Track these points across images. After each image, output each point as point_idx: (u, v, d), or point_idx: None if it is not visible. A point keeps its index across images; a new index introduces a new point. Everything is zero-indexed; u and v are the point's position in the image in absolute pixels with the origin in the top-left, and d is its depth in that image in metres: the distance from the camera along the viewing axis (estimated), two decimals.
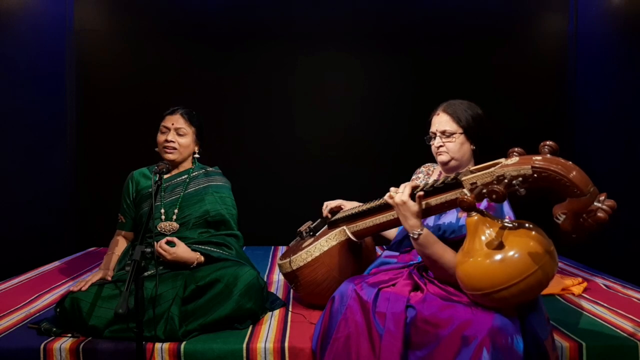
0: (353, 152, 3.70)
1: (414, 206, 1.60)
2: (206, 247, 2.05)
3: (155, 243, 1.98)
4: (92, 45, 3.59)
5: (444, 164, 1.82)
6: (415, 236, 1.60)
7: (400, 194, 1.62)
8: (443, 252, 1.60)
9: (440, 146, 1.79)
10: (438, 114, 1.83)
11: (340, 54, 3.71)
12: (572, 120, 3.63)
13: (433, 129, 1.83)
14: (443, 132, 1.78)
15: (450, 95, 3.74)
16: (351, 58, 3.74)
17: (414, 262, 1.78)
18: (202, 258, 2.02)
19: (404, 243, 1.93)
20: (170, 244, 1.99)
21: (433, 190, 1.60)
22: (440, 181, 1.59)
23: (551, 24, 3.73)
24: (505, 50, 3.71)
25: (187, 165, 2.23)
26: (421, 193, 1.60)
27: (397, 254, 1.88)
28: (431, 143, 1.84)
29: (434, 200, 1.60)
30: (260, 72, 3.68)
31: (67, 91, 3.47)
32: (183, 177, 2.19)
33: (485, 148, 1.80)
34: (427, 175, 2.00)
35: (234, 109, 3.69)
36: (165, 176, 2.15)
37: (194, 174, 2.21)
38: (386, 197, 1.69)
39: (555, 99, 3.72)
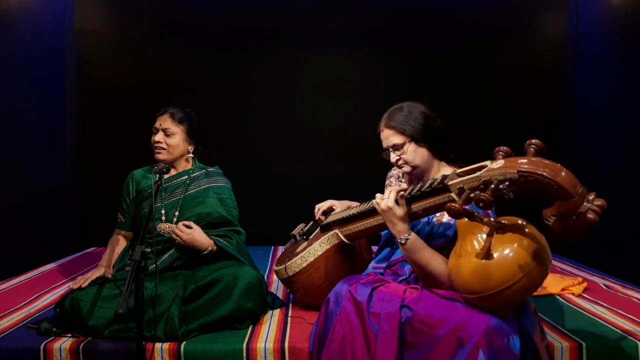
0: (353, 152, 3.69)
1: (399, 210, 1.61)
2: (213, 237, 2.05)
3: (174, 226, 1.98)
4: (92, 45, 3.59)
5: (409, 174, 1.83)
6: (403, 241, 1.60)
7: (385, 200, 1.63)
8: (431, 258, 1.60)
9: (398, 159, 1.77)
10: (382, 130, 1.81)
11: (340, 55, 3.71)
12: (572, 120, 3.63)
13: (384, 145, 1.81)
14: (394, 147, 1.77)
15: (449, 95, 3.74)
16: (351, 58, 3.73)
17: (402, 277, 1.77)
18: (215, 247, 2.01)
19: (389, 255, 1.90)
20: (187, 227, 1.99)
21: (420, 194, 1.60)
22: (427, 185, 1.58)
23: (551, 24, 3.73)
24: (506, 50, 3.71)
25: (187, 165, 2.23)
26: (402, 193, 1.62)
27: (384, 265, 1.87)
28: (389, 158, 1.82)
29: (421, 205, 1.60)
30: (260, 72, 3.67)
31: (67, 91, 3.47)
32: (183, 177, 2.19)
33: (441, 141, 1.78)
34: (397, 178, 2.00)
35: (234, 109, 3.69)
36: (166, 176, 2.15)
37: (194, 174, 2.21)
38: (373, 203, 1.70)
39: (555, 99, 3.72)
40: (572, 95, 3.64)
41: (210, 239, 2.03)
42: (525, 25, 3.73)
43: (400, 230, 1.61)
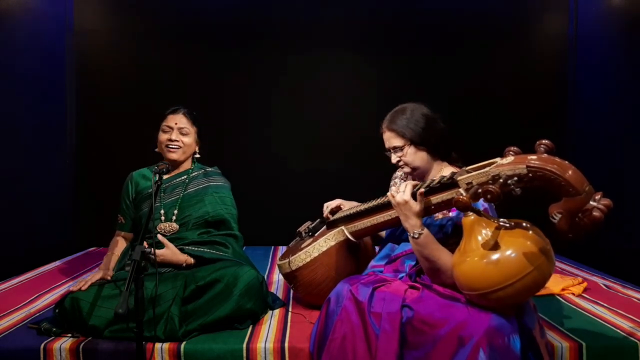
0: (353, 152, 3.69)
1: (415, 205, 1.60)
2: (198, 248, 2.05)
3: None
4: (92, 45, 3.59)
5: (410, 174, 1.86)
6: (416, 236, 1.59)
7: (401, 193, 1.62)
8: (441, 253, 1.60)
9: (398, 160, 1.82)
10: (384, 132, 1.85)
11: (340, 56, 3.71)
12: (572, 121, 3.63)
13: (386, 145, 1.85)
14: (394, 149, 1.81)
15: (449, 95, 3.73)
16: (351, 59, 3.73)
17: (402, 274, 1.78)
18: (192, 260, 2.02)
19: (389, 253, 1.91)
20: (160, 245, 1.99)
21: (429, 190, 1.61)
22: (437, 181, 1.59)
23: (551, 25, 3.73)
24: (506, 51, 3.71)
25: (187, 165, 2.23)
26: (422, 190, 1.60)
27: (383, 263, 1.88)
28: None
29: (430, 200, 1.61)
30: (261, 72, 3.67)
31: (67, 91, 3.48)
32: (182, 177, 2.19)
33: (442, 142, 1.81)
34: (401, 179, 2.02)
35: (234, 109, 3.68)
36: (165, 177, 2.15)
37: (194, 174, 2.21)
38: (388, 196, 1.71)
39: (555, 100, 3.71)
40: (572, 96, 3.64)
41: (195, 252, 2.02)
42: (526, 27, 3.73)
43: (414, 224, 1.60)
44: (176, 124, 2.13)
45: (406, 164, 1.81)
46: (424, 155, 1.80)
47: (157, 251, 1.94)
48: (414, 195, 1.61)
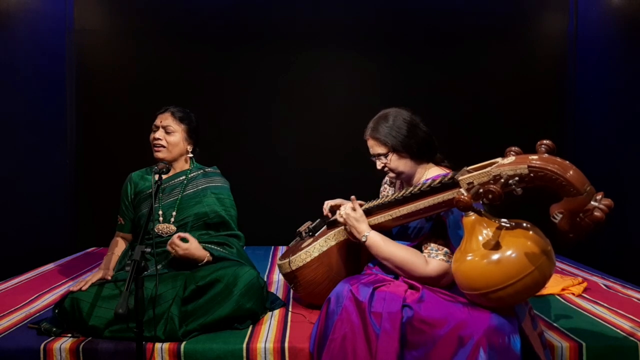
0: (353, 152, 3.67)
1: (354, 213, 1.81)
2: (209, 246, 2.05)
3: (174, 239, 1.95)
4: (92, 45, 3.59)
5: (397, 179, 1.92)
6: (364, 239, 1.76)
7: (342, 210, 1.85)
8: (396, 250, 1.69)
9: (383, 167, 1.86)
10: (367, 139, 1.89)
11: (340, 56, 3.71)
12: (572, 121, 3.63)
13: (370, 152, 1.89)
14: (378, 155, 1.85)
15: (449, 95, 3.72)
16: (350, 59, 3.73)
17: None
18: (211, 257, 2.01)
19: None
20: (184, 240, 1.98)
21: (430, 190, 1.62)
22: (438, 181, 1.60)
23: (552, 24, 3.73)
24: (505, 51, 3.71)
25: (185, 165, 2.22)
26: (360, 202, 1.87)
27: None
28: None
29: (431, 200, 1.61)
30: (261, 72, 3.67)
31: (67, 91, 3.48)
32: (181, 178, 2.18)
33: (425, 146, 1.83)
34: (391, 184, 2.06)
35: (234, 109, 3.69)
36: (164, 177, 2.14)
37: (192, 174, 2.20)
38: (337, 217, 1.89)
39: (555, 100, 3.71)
40: (572, 96, 3.64)
41: (208, 249, 2.02)
42: (526, 26, 3.73)
43: (360, 230, 1.78)
44: (161, 122, 2.13)
45: (391, 170, 1.85)
46: (407, 160, 1.83)
47: (183, 245, 1.94)
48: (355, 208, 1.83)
